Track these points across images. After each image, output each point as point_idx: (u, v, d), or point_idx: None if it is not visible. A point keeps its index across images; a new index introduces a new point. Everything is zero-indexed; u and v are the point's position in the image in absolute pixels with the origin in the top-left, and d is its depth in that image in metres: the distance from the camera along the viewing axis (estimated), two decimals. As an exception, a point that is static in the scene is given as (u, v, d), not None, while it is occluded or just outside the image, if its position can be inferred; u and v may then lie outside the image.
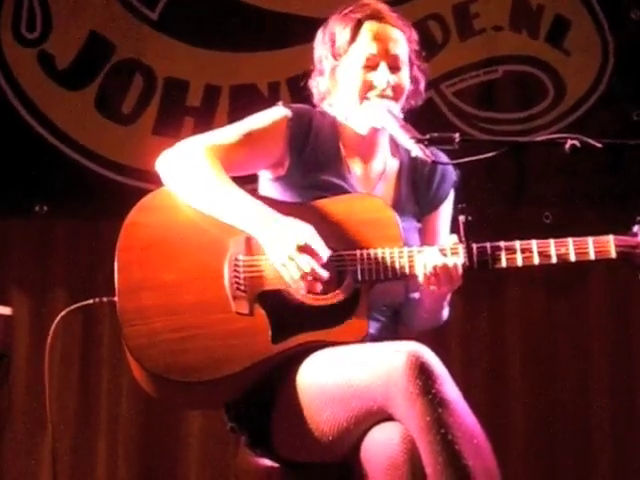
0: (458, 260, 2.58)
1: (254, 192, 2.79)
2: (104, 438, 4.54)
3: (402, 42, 2.78)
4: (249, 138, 2.74)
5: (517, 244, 2.60)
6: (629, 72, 4.74)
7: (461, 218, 2.56)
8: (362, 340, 2.56)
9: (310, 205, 2.69)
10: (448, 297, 2.72)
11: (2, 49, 4.68)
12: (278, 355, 2.55)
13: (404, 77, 2.78)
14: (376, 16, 2.78)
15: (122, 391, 4.50)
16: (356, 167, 2.83)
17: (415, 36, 2.83)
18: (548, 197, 4.68)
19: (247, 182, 2.77)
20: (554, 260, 2.60)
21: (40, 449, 4.43)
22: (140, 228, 2.66)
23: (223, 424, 2.75)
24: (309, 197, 2.71)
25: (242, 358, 2.53)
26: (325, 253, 2.55)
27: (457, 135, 2.57)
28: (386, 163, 2.85)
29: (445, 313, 2.81)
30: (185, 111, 4.69)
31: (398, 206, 2.75)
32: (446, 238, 2.71)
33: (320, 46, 2.85)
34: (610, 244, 2.59)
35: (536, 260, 2.60)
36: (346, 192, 2.75)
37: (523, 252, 2.60)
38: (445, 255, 2.58)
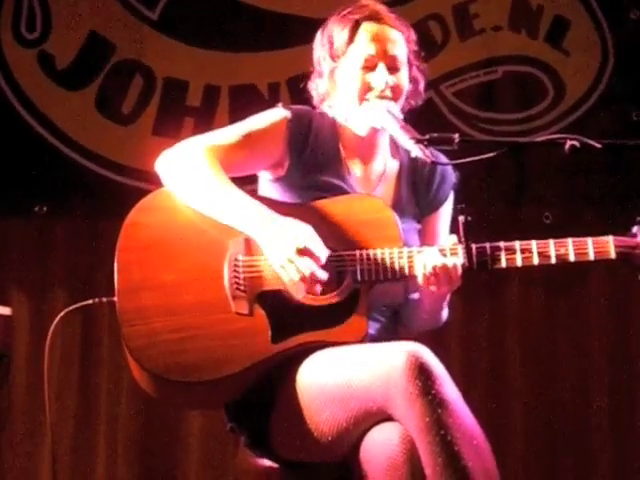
0: (457, 260, 2.57)
1: (254, 193, 2.79)
2: (104, 438, 4.54)
3: (400, 43, 2.78)
4: (249, 139, 2.74)
5: (517, 244, 2.60)
6: (629, 72, 4.74)
7: (461, 218, 2.56)
8: (362, 340, 2.56)
9: (310, 205, 2.69)
10: (447, 298, 2.72)
11: (2, 49, 4.68)
12: (278, 355, 2.55)
13: (403, 77, 2.78)
14: (374, 17, 2.78)
15: (122, 391, 4.50)
16: (356, 168, 2.83)
17: (414, 36, 2.83)
18: (548, 197, 4.68)
19: (247, 183, 2.77)
20: (553, 260, 2.60)
21: (40, 449, 4.43)
22: (140, 228, 2.66)
23: (223, 424, 2.75)
24: (309, 198, 2.71)
25: (242, 358, 2.53)
26: (324, 254, 2.55)
27: (457, 135, 2.57)
28: (386, 164, 2.85)
29: (445, 314, 2.81)
30: (185, 111, 4.69)
31: (398, 207, 2.75)
32: (446, 239, 2.71)
33: (319, 48, 2.85)
34: (609, 245, 2.59)
35: (535, 260, 2.60)
36: (346, 193, 2.75)
37: (523, 252, 2.60)
38: (445, 255, 2.58)
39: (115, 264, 2.62)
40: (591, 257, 2.59)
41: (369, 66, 2.75)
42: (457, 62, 4.78)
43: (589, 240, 2.60)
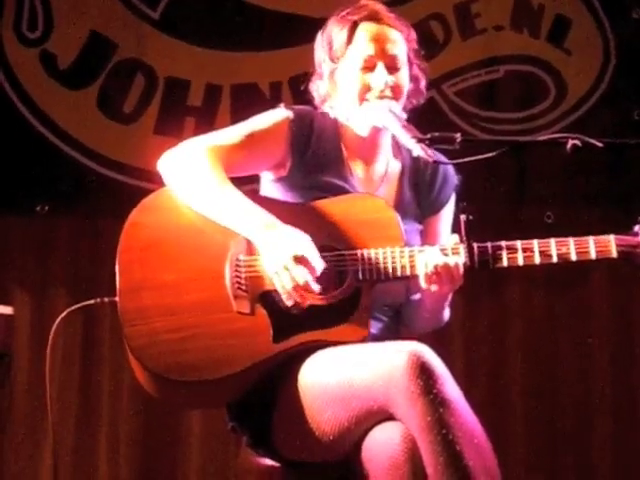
0: (459, 259, 2.57)
1: (256, 192, 2.79)
2: (105, 438, 4.54)
3: (400, 42, 2.77)
4: (251, 139, 2.74)
5: (518, 243, 2.60)
6: (630, 71, 4.74)
7: (462, 217, 2.56)
8: (363, 340, 2.56)
9: (311, 205, 2.69)
10: (449, 297, 2.72)
11: (4, 49, 4.68)
12: (279, 355, 2.55)
13: (403, 77, 2.77)
14: (373, 17, 2.78)
15: (123, 391, 4.50)
16: (358, 169, 2.82)
17: (414, 35, 2.82)
18: (549, 197, 4.68)
19: (248, 182, 2.77)
20: (555, 260, 2.60)
21: (41, 449, 4.43)
22: (141, 228, 2.66)
23: (224, 424, 2.75)
24: (311, 198, 2.71)
25: (243, 358, 2.53)
26: (320, 267, 2.54)
27: (458, 135, 2.57)
28: (388, 165, 2.85)
29: (446, 314, 2.81)
30: (186, 110, 4.70)
31: (400, 208, 2.75)
32: (447, 239, 2.71)
33: (319, 49, 2.84)
34: (611, 244, 2.59)
35: (537, 259, 2.60)
36: (348, 193, 2.75)
37: (524, 251, 2.60)
38: (446, 255, 2.58)
39: (116, 264, 2.62)
40: (593, 256, 2.59)
41: (368, 66, 2.74)
42: (459, 61, 4.78)
43: (590, 239, 2.60)
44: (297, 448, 2.57)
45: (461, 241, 2.59)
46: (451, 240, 2.62)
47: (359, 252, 2.61)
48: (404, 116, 2.72)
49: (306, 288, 2.52)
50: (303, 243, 2.54)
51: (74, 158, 4.63)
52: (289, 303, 2.56)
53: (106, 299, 3.01)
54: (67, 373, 4.52)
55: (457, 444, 2.26)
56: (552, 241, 2.60)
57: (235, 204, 2.62)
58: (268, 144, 2.75)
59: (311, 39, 2.88)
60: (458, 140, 2.56)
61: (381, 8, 2.81)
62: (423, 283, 2.58)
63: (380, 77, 2.73)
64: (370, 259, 2.60)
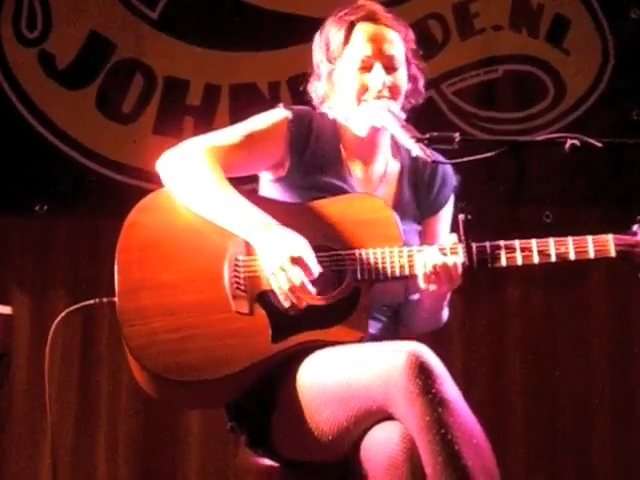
0: (458, 259, 2.57)
1: (255, 192, 2.79)
2: (104, 438, 4.54)
3: (397, 42, 2.77)
4: (250, 140, 2.74)
5: (517, 243, 2.60)
6: (629, 71, 4.74)
7: (461, 217, 2.56)
8: (362, 340, 2.56)
9: (310, 205, 2.69)
10: (448, 297, 2.72)
11: (3, 48, 4.68)
12: (278, 355, 2.55)
13: (401, 77, 2.77)
14: (370, 17, 2.78)
15: (122, 391, 4.50)
16: (357, 169, 2.82)
17: (412, 35, 2.82)
18: (548, 197, 4.68)
19: (247, 182, 2.77)
20: (554, 259, 2.60)
21: (40, 449, 4.43)
22: (140, 229, 2.66)
23: (223, 424, 2.75)
24: (309, 198, 2.71)
25: (242, 358, 2.53)
26: (317, 270, 2.54)
27: (457, 134, 2.56)
28: (387, 165, 2.85)
29: (445, 314, 2.81)
30: (185, 110, 4.70)
31: (399, 208, 2.74)
32: (446, 238, 2.71)
33: (316, 50, 2.85)
34: (610, 243, 2.59)
35: (536, 259, 2.60)
36: (346, 193, 2.75)
37: (523, 251, 2.60)
38: (445, 254, 2.58)
39: (115, 264, 2.62)
40: (591, 255, 2.59)
41: (366, 67, 2.74)
42: (457, 61, 4.78)
43: (589, 238, 2.60)
44: (296, 448, 2.57)
45: (460, 241, 2.59)
46: (450, 240, 2.62)
47: (357, 252, 2.61)
48: (403, 116, 2.72)
49: (302, 289, 2.52)
50: (299, 244, 2.54)
51: (73, 158, 4.63)
52: (286, 304, 2.56)
53: (105, 299, 3.01)
54: (66, 373, 4.52)
55: (456, 444, 2.26)
56: (551, 240, 2.60)
57: (233, 205, 2.62)
58: (267, 144, 2.75)
59: (310, 39, 2.88)
60: (457, 140, 2.56)
61: (378, 8, 2.81)
62: (422, 283, 2.59)
63: (378, 77, 2.73)
64: (369, 259, 2.60)
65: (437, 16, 4.79)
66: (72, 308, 3.16)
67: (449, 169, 2.86)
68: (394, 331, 2.78)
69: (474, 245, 2.59)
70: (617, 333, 4.70)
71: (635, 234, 2.61)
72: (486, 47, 4.80)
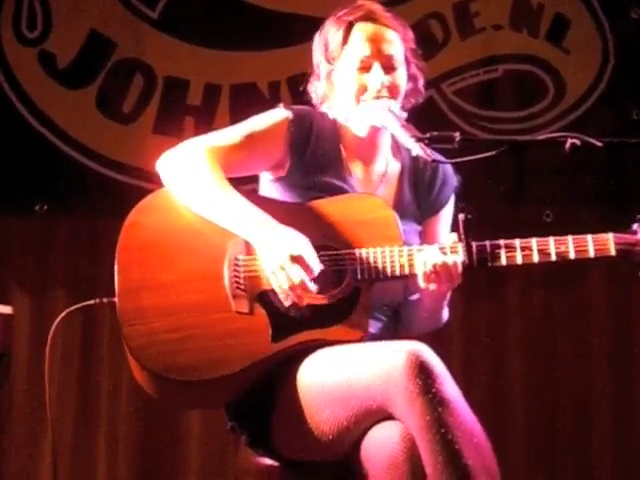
0: (458, 258, 2.57)
1: (255, 192, 2.79)
2: (104, 438, 4.54)
3: (396, 42, 2.77)
4: (250, 140, 2.74)
5: (517, 242, 2.60)
6: (629, 71, 4.74)
7: (461, 216, 2.56)
8: (362, 339, 2.56)
9: (310, 205, 2.69)
10: (448, 296, 2.72)
11: (3, 48, 4.68)
12: (278, 354, 2.55)
13: (400, 76, 2.77)
14: (369, 17, 2.78)
15: (122, 391, 4.50)
16: (357, 169, 2.82)
17: (411, 35, 2.82)
18: (548, 196, 4.68)
19: (247, 182, 2.77)
20: (554, 258, 2.60)
21: (40, 449, 4.43)
22: (140, 229, 2.66)
23: (223, 424, 2.75)
24: (309, 198, 2.71)
25: (242, 358, 2.53)
26: (317, 268, 2.54)
27: (457, 134, 2.56)
28: (388, 165, 2.85)
29: (445, 314, 2.81)
30: (185, 110, 4.69)
31: (399, 209, 2.74)
32: (446, 237, 2.71)
33: (316, 51, 2.85)
34: (610, 242, 2.59)
35: (536, 258, 2.60)
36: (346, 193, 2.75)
37: (523, 250, 2.60)
38: (445, 253, 2.58)
39: (115, 264, 2.62)
40: (591, 254, 2.59)
41: (364, 67, 2.74)
42: (458, 61, 4.78)
43: (589, 237, 2.60)
44: (296, 448, 2.57)
45: (460, 240, 2.59)
46: (450, 239, 2.62)
47: (357, 251, 2.61)
48: (403, 115, 2.72)
49: (303, 287, 2.52)
50: (300, 243, 2.54)
51: (73, 158, 4.63)
52: (287, 303, 2.56)
53: (105, 299, 3.01)
54: (66, 373, 4.52)
55: (456, 443, 2.26)
56: (551, 239, 2.60)
57: (233, 205, 2.62)
58: (267, 144, 2.75)
59: (310, 39, 2.88)
60: (457, 139, 2.55)
61: (377, 8, 2.81)
62: (422, 282, 2.58)
63: (376, 77, 2.72)
64: (368, 258, 2.60)
65: (437, 15, 4.79)
66: (72, 308, 3.16)
67: (450, 169, 2.86)
68: (394, 331, 2.78)
69: (474, 244, 2.59)
70: (617, 333, 4.70)
71: (635, 233, 2.61)
72: (486, 46, 4.80)
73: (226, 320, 2.55)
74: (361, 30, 2.77)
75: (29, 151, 4.63)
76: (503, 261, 2.60)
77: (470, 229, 2.56)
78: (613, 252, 2.59)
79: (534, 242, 2.60)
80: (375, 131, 2.78)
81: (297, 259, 2.52)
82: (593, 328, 4.71)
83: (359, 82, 2.74)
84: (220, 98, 4.70)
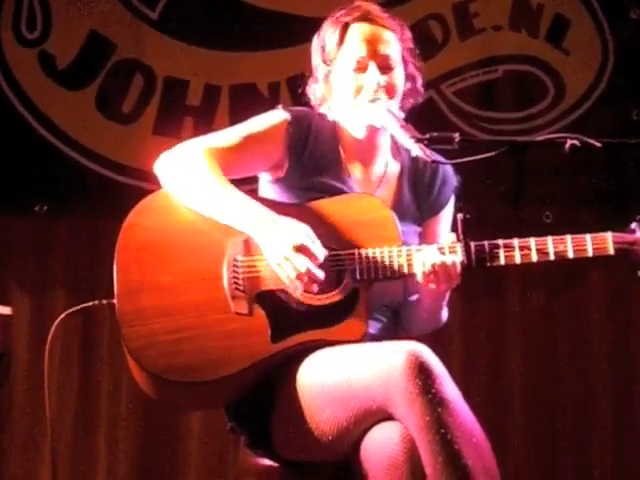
0: (456, 258, 2.57)
1: (253, 193, 2.79)
2: (104, 438, 4.54)
3: (393, 42, 2.77)
4: (248, 141, 2.74)
5: (515, 242, 2.60)
6: (629, 71, 4.74)
7: (459, 216, 2.56)
8: (361, 339, 2.56)
9: (308, 205, 2.69)
10: (447, 296, 2.72)
11: (2, 49, 4.68)
12: (277, 355, 2.55)
13: (397, 76, 2.76)
14: (365, 18, 2.78)
15: (122, 392, 4.50)
16: (356, 170, 2.82)
17: (408, 34, 2.82)
18: (548, 197, 4.68)
19: (247, 183, 2.77)
20: (552, 257, 2.60)
21: (40, 449, 4.43)
22: (138, 230, 2.66)
23: (223, 424, 2.75)
24: (307, 199, 2.71)
25: (241, 358, 2.53)
26: (321, 253, 2.55)
27: (457, 135, 2.56)
28: (387, 166, 2.85)
29: (444, 314, 2.81)
30: (185, 110, 4.69)
31: (399, 210, 2.74)
32: (445, 237, 2.71)
33: (314, 52, 2.85)
34: (608, 241, 2.60)
35: (534, 257, 2.60)
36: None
37: (521, 250, 2.60)
38: (443, 254, 2.58)
39: (114, 266, 2.62)
40: (590, 254, 2.59)
41: (361, 67, 2.74)
42: (457, 61, 4.78)
43: (588, 237, 2.60)
44: (296, 448, 2.57)
45: (458, 240, 2.59)
46: (448, 239, 2.62)
47: (356, 252, 2.61)
48: (401, 115, 2.72)
49: (310, 275, 2.52)
50: (301, 232, 2.55)
51: (73, 158, 4.63)
52: (297, 293, 2.56)
53: (104, 301, 3.01)
54: (66, 374, 4.52)
55: (456, 443, 2.27)
56: (549, 239, 2.60)
57: (234, 201, 2.62)
58: (265, 146, 2.75)
59: (309, 39, 2.88)
60: (457, 140, 2.56)
61: (374, 8, 2.81)
62: (421, 282, 2.58)
63: (372, 77, 2.72)
64: (368, 258, 2.60)
65: (437, 16, 4.78)
66: (71, 310, 3.15)
67: (449, 169, 2.86)
68: (393, 331, 2.78)
69: (472, 244, 2.59)
70: (617, 333, 4.70)
71: (633, 232, 2.61)
72: (486, 47, 4.80)
73: (225, 321, 2.55)
74: (357, 31, 2.77)
75: (29, 152, 4.63)
76: (502, 261, 2.60)
77: (469, 229, 2.57)
78: (612, 251, 2.60)
79: (533, 242, 2.60)
80: (374, 132, 2.78)
81: (301, 248, 2.52)
82: (593, 328, 4.71)
83: (355, 82, 2.74)
84: (220, 99, 4.70)
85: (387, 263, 2.59)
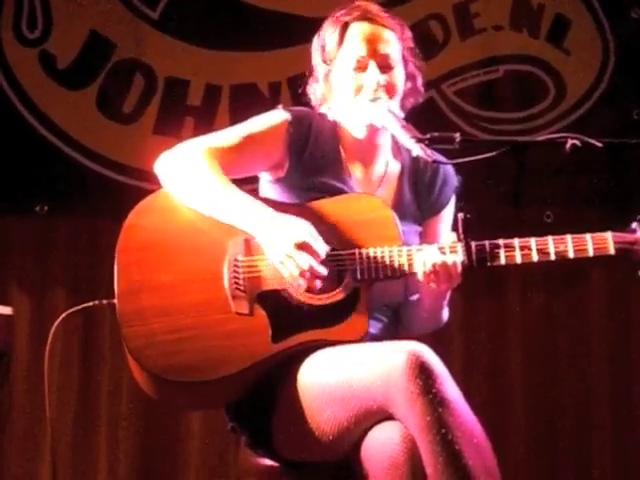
0: (457, 258, 2.58)
1: (254, 193, 2.79)
2: (104, 439, 4.54)
3: (393, 41, 2.77)
4: (248, 141, 2.74)
5: (516, 242, 2.60)
6: (630, 71, 4.74)
7: (460, 216, 2.56)
8: (362, 339, 2.56)
9: (308, 205, 2.69)
10: (447, 296, 2.72)
11: (3, 49, 4.67)
12: (278, 355, 2.55)
13: (397, 75, 2.77)
14: (364, 17, 2.78)
15: (122, 392, 4.49)
16: (356, 170, 2.82)
17: (408, 34, 2.82)
18: (549, 197, 4.68)
19: (247, 183, 2.77)
20: (553, 257, 2.60)
21: (40, 449, 4.43)
22: (139, 230, 2.66)
23: (223, 424, 2.75)
24: (308, 199, 2.71)
25: (242, 358, 2.53)
26: (323, 250, 2.55)
27: (458, 135, 2.56)
28: (388, 165, 2.85)
29: (445, 314, 2.81)
30: (186, 110, 4.69)
31: (399, 209, 2.74)
32: (445, 237, 2.71)
33: (314, 52, 2.85)
34: (609, 241, 2.60)
35: (535, 257, 2.60)
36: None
37: (522, 249, 2.60)
38: (444, 253, 2.58)
39: (115, 266, 2.62)
40: (590, 253, 2.59)
41: (361, 66, 2.74)
42: (458, 61, 4.78)
43: (588, 236, 2.60)
44: (297, 448, 2.57)
45: (459, 240, 2.59)
46: (449, 239, 2.62)
47: (357, 251, 2.61)
48: (401, 115, 2.72)
49: (312, 272, 2.52)
50: (302, 229, 2.55)
51: (73, 158, 4.63)
52: (301, 290, 2.56)
53: (105, 301, 3.01)
54: (66, 374, 4.51)
55: (456, 444, 2.27)
56: (550, 239, 2.60)
57: (235, 200, 2.62)
58: (265, 146, 2.75)
59: (310, 39, 2.88)
60: (457, 140, 2.56)
61: (374, 8, 2.81)
62: (421, 281, 2.58)
63: (372, 76, 2.72)
64: (368, 258, 2.60)
65: (437, 16, 4.78)
66: (72, 310, 3.16)
67: (450, 169, 2.86)
68: (394, 331, 2.78)
69: (473, 244, 2.59)
70: (617, 333, 4.70)
71: (634, 232, 2.61)
72: (486, 47, 4.79)
73: (226, 321, 2.55)
74: (357, 30, 2.77)
75: (29, 152, 4.63)
76: (502, 261, 2.60)
77: (469, 229, 2.57)
78: (612, 251, 2.60)
79: (533, 241, 2.60)
80: (374, 132, 2.78)
81: (302, 246, 2.52)
82: (593, 328, 4.71)
83: (355, 82, 2.74)
84: (220, 98, 4.70)
85: (388, 263, 2.59)
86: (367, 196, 2.75)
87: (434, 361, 2.36)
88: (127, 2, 4.72)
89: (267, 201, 2.69)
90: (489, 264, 2.60)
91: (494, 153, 2.55)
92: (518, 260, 2.60)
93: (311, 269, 2.52)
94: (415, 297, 2.73)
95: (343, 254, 2.61)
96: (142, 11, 4.73)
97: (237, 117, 2.81)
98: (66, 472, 4.44)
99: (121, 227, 2.66)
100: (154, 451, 4.55)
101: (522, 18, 4.80)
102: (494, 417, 4.35)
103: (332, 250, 2.60)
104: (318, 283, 2.55)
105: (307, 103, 2.89)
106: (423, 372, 2.32)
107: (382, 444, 2.37)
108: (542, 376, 4.65)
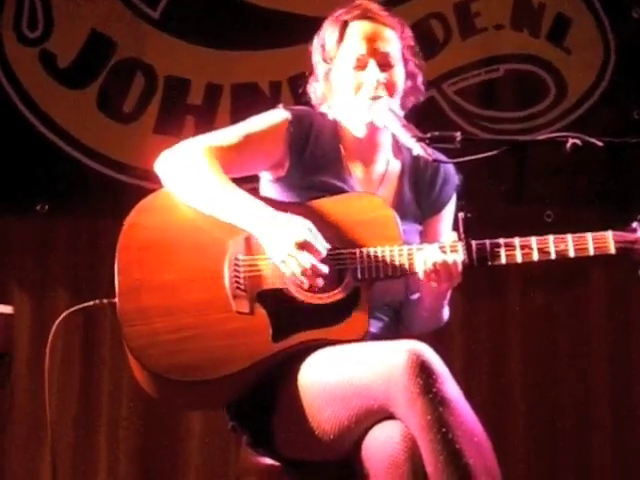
0: (458, 257, 2.58)
1: (254, 192, 2.79)
2: (105, 439, 4.54)
3: (392, 40, 2.77)
4: (249, 140, 2.74)
5: (516, 241, 2.60)
6: (630, 71, 4.74)
7: (460, 215, 2.57)
8: (362, 338, 2.56)
9: (309, 204, 2.69)
10: (448, 295, 2.72)
11: (4, 48, 4.67)
12: (279, 354, 2.55)
13: (397, 74, 2.77)
14: (364, 16, 2.78)
15: (123, 392, 4.49)
16: (357, 170, 2.82)
17: (409, 32, 2.82)
18: (549, 196, 4.68)
19: (247, 182, 2.77)
20: (553, 256, 2.60)
21: (41, 449, 4.43)
22: (140, 229, 2.66)
23: (224, 424, 2.75)
24: (308, 198, 2.71)
25: (242, 358, 2.53)
26: (324, 248, 2.55)
27: (458, 134, 2.57)
28: (388, 164, 2.85)
29: (445, 313, 2.81)
30: (186, 110, 4.69)
31: (400, 208, 2.74)
32: (446, 236, 2.71)
33: (314, 51, 2.85)
34: (609, 240, 2.60)
35: (535, 256, 2.60)
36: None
37: (522, 249, 2.60)
38: (445, 252, 2.58)
39: (115, 265, 2.62)
40: (591, 252, 2.60)
41: (360, 65, 2.75)
42: (459, 61, 4.78)
43: (589, 235, 2.60)
44: (297, 447, 2.57)
45: (459, 239, 2.59)
46: (450, 238, 2.62)
47: (358, 251, 2.61)
48: (402, 113, 2.72)
49: (314, 270, 2.52)
50: (302, 228, 2.55)
51: (74, 157, 4.63)
52: (303, 290, 2.55)
53: (105, 300, 3.00)
54: (67, 373, 4.51)
55: (457, 443, 2.27)
56: (550, 238, 2.60)
57: (235, 199, 2.62)
58: (266, 145, 2.75)
59: (310, 38, 2.88)
60: (458, 139, 2.56)
61: (374, 7, 2.82)
62: (422, 280, 2.58)
63: (371, 75, 2.72)
64: (369, 257, 2.60)
65: (438, 15, 4.78)
66: (73, 309, 3.15)
67: (451, 168, 2.86)
68: (395, 330, 2.78)
69: (474, 243, 2.59)
70: (617, 333, 4.70)
71: (634, 231, 2.61)
72: (487, 46, 4.79)
73: (227, 320, 2.55)
74: (357, 29, 2.77)
75: (30, 151, 4.62)
76: (503, 260, 2.60)
77: (470, 228, 2.57)
78: (613, 250, 2.60)
79: (534, 240, 2.60)
80: (374, 131, 2.78)
81: (303, 244, 2.53)
82: (593, 328, 4.71)
83: (355, 80, 2.74)
84: (221, 98, 4.70)
85: (388, 262, 2.60)
86: (368, 195, 2.75)
87: (435, 360, 2.36)
88: (127, 1, 4.72)
89: (267, 200, 2.69)
90: (490, 263, 2.60)
91: (495, 152, 2.55)
92: (519, 259, 2.60)
93: (313, 267, 2.52)
94: (416, 296, 2.74)
95: (344, 253, 2.61)
96: (143, 10, 4.72)
97: (238, 116, 2.81)
98: (66, 472, 4.44)
99: (122, 226, 2.66)
100: (154, 451, 4.54)
101: (523, 17, 4.80)
102: (494, 417, 4.35)
103: (333, 249, 2.60)
104: (320, 281, 2.55)
105: (308, 102, 2.89)
106: (424, 371, 2.32)
107: (383, 443, 2.37)
108: (542, 376, 4.65)
